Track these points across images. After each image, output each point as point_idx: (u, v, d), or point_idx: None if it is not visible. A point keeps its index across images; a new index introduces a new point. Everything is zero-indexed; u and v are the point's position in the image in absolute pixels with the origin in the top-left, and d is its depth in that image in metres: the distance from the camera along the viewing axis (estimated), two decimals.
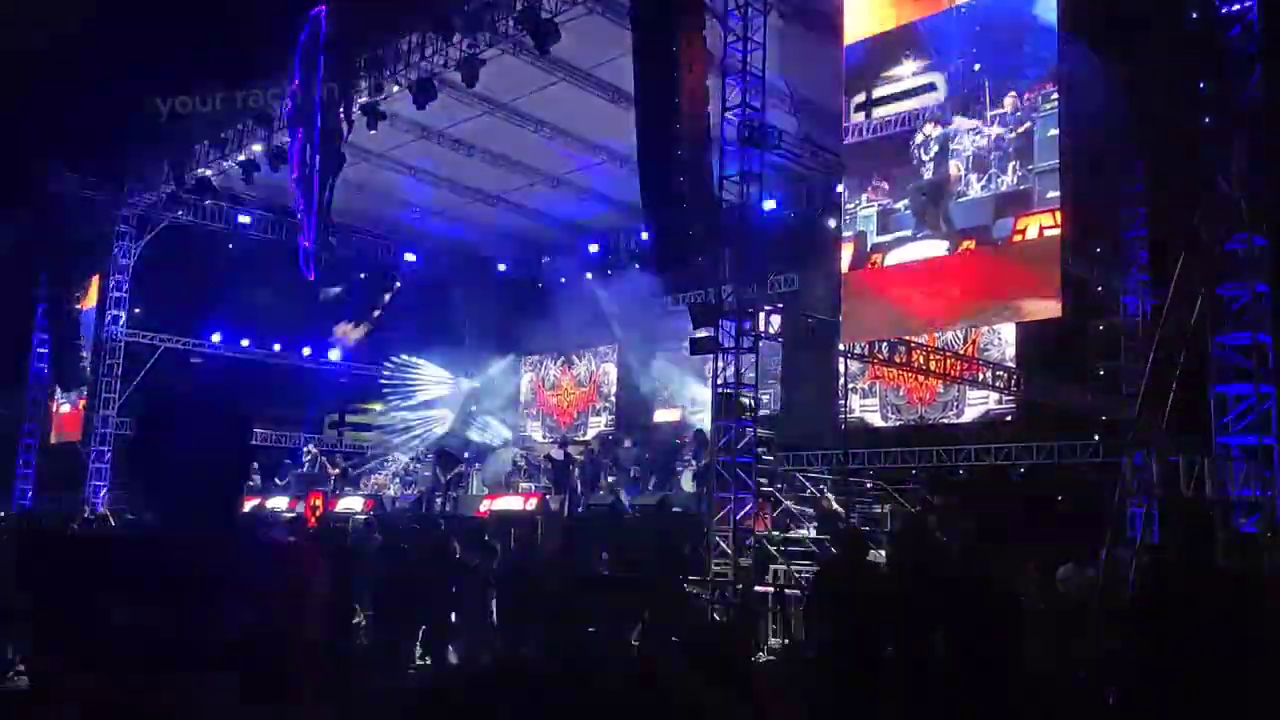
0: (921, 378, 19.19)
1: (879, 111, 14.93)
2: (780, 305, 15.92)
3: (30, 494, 25.01)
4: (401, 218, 24.95)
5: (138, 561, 2.02)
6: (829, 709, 6.65)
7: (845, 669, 6.45)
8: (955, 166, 14.12)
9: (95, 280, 24.68)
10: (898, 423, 20.85)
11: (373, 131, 17.62)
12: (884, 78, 14.88)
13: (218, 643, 1.92)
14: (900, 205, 14.59)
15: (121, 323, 23.96)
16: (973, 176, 13.96)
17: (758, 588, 12.19)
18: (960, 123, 14.09)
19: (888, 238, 14.65)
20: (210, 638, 1.92)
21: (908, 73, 14.75)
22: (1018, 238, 13.65)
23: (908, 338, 15.39)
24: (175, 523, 2.04)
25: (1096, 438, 16.92)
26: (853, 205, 15.07)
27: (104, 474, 23.22)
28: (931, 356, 15.96)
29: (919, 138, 14.46)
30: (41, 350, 25.80)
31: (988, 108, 13.88)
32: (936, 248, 14.24)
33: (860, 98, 15.02)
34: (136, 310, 24.48)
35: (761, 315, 13.86)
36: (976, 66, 14.09)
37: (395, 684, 10.36)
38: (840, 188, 14.79)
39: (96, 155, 23.57)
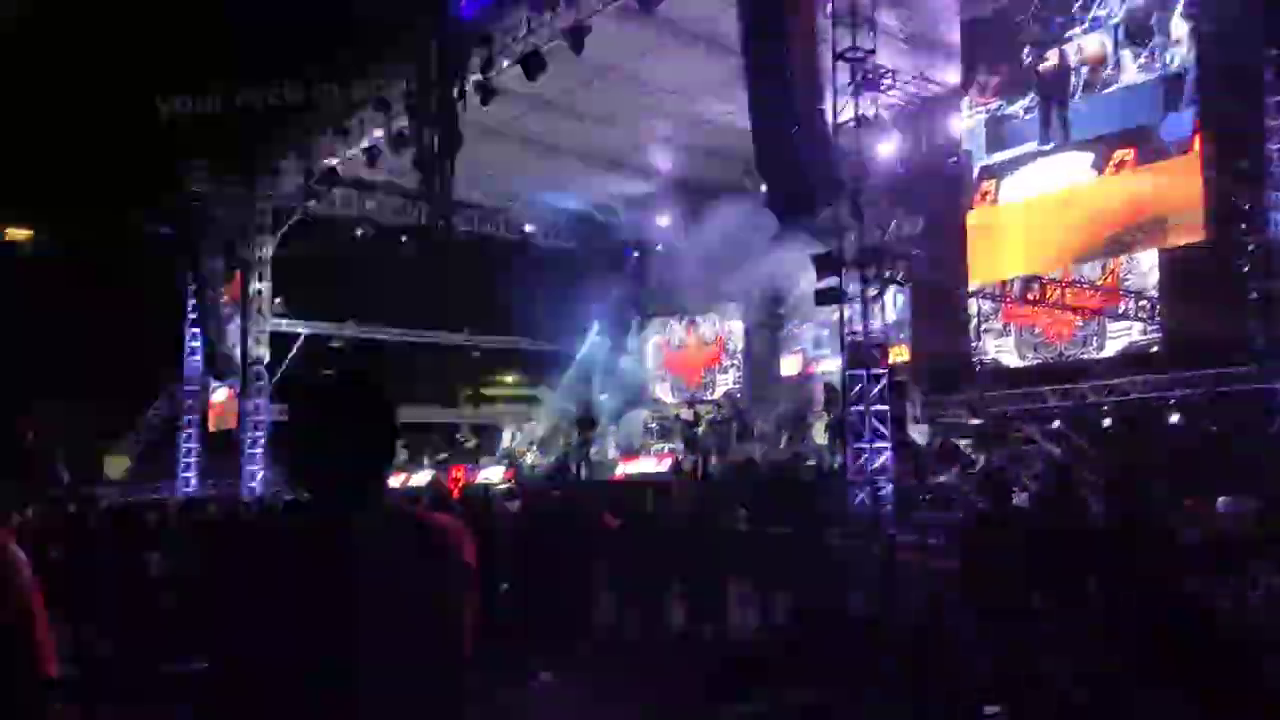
0: (1058, 312, 18.52)
1: None
2: (905, 250, 15.54)
3: (193, 481, 26.51)
4: (519, 189, 25.30)
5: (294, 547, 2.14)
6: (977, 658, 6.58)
7: (996, 617, 6.36)
8: (1100, 41, 10.41)
9: (238, 274, 25.80)
10: (1035, 361, 20.16)
11: (486, 107, 17.87)
12: None
13: (373, 620, 2.01)
14: (1017, 107, 11.19)
15: (265, 312, 25.02)
16: (1126, 53, 10.00)
17: (899, 537, 12.03)
18: None
19: (1002, 156, 11.28)
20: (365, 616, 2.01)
21: None
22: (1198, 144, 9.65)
23: (1039, 274, 14.66)
24: (325, 501, 2.14)
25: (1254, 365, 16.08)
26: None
27: (258, 459, 24.38)
28: (1067, 290, 15.33)
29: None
30: (193, 345, 27.16)
31: None
32: (1076, 163, 10.72)
33: None
34: (278, 300, 25.53)
35: (886, 261, 13.55)
36: None
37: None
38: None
39: (228, 153, 24.53)
